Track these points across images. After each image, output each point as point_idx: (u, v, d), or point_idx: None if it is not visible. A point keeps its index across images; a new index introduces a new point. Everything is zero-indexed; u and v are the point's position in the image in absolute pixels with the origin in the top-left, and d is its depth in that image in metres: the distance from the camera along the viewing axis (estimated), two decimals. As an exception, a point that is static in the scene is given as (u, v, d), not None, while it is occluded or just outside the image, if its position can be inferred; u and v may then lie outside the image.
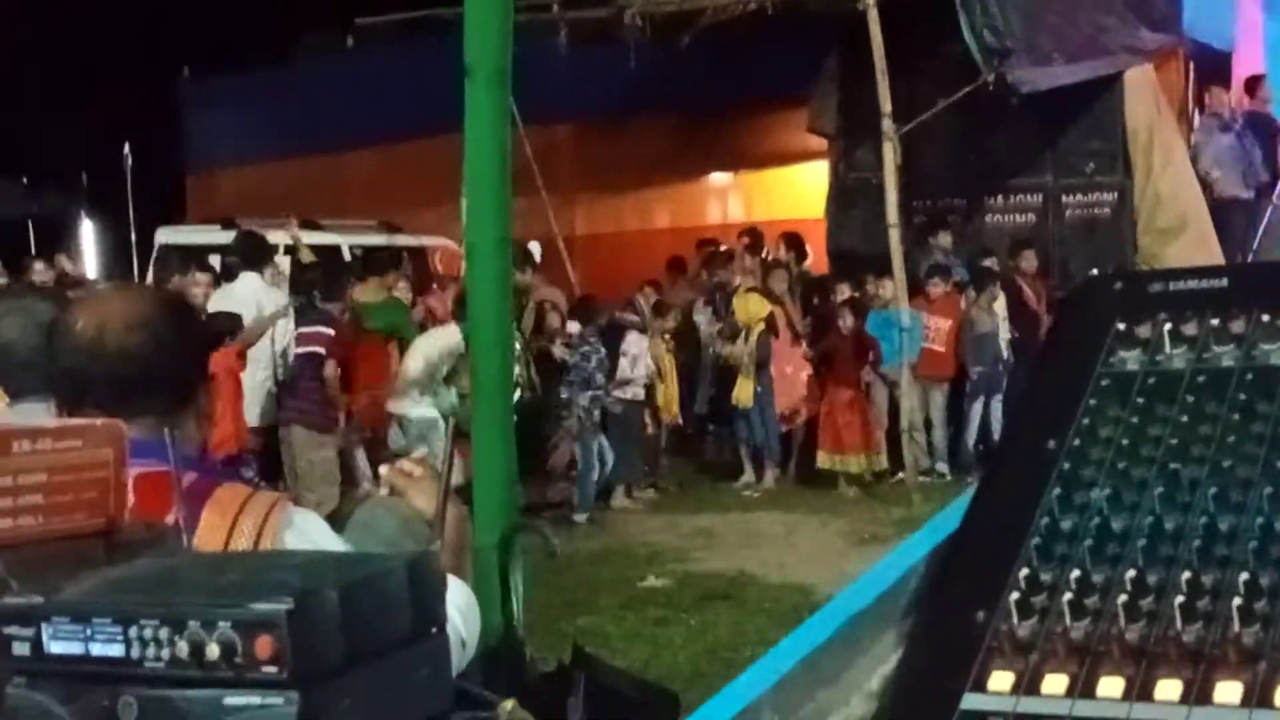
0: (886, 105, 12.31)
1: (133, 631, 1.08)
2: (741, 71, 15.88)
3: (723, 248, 15.19)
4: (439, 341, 11.08)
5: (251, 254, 11.53)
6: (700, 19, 14.36)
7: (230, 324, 9.77)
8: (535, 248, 12.56)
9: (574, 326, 12.10)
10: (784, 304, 12.94)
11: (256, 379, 10.54)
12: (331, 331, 10.94)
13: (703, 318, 13.77)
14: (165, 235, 16.74)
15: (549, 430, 11.64)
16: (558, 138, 17.32)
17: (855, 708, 1.13)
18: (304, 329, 10.80)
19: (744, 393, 12.59)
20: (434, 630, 1.18)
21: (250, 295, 10.74)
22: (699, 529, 11.03)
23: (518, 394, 10.30)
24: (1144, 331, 1.43)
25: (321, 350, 10.76)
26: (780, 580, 9.02)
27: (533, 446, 11.42)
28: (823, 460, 12.44)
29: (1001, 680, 1.14)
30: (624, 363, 11.94)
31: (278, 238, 13.48)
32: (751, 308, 12.69)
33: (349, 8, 18.45)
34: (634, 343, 12.11)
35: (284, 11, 23.32)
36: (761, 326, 12.61)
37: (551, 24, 14.87)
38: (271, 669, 1.03)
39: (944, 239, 13.94)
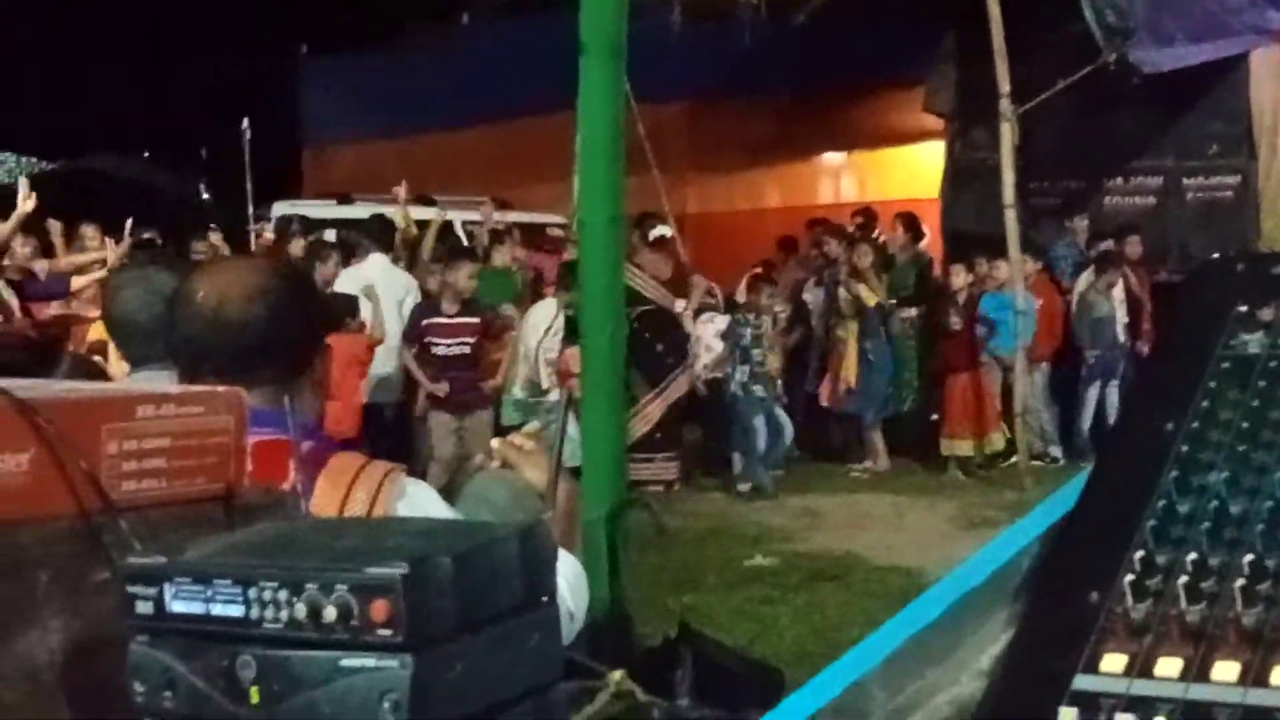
0: (1005, 85, 12.13)
1: (252, 593, 1.11)
2: (856, 50, 15.73)
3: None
4: (540, 316, 11.12)
5: (381, 235, 11.70)
6: (816, -2, 14.27)
7: (348, 307, 9.87)
8: (666, 230, 12.47)
9: (679, 304, 12.11)
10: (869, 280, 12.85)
11: (381, 358, 10.63)
12: (478, 320, 10.92)
13: (812, 297, 13.70)
14: (282, 208, 16.97)
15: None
16: (670, 115, 17.29)
17: (964, 687, 1.13)
18: (456, 320, 10.76)
19: (849, 371, 12.58)
20: (544, 599, 1.19)
21: (377, 276, 10.86)
22: (806, 509, 11.00)
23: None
24: (1266, 314, 1.40)
25: (471, 342, 10.80)
26: (888, 562, 8.98)
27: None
28: (942, 446, 12.40)
29: (1114, 662, 1.13)
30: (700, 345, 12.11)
31: (389, 212, 13.62)
32: (862, 293, 12.65)
33: (465, -14, 18.57)
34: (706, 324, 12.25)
35: (400, -10, 23.52)
36: (869, 308, 12.60)
37: (666, 2, 14.85)
38: (386, 632, 1.05)
39: (1079, 223, 13.80)
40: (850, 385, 12.63)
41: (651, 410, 11.71)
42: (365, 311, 10.26)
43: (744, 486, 11.66)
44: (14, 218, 9.32)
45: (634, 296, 11.84)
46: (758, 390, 11.87)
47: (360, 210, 14.43)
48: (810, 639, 7.26)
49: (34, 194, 9.30)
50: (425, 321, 10.71)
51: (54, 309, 9.76)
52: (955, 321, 12.40)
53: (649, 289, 11.98)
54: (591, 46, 3.85)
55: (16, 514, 1.30)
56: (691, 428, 12.69)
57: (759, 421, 11.78)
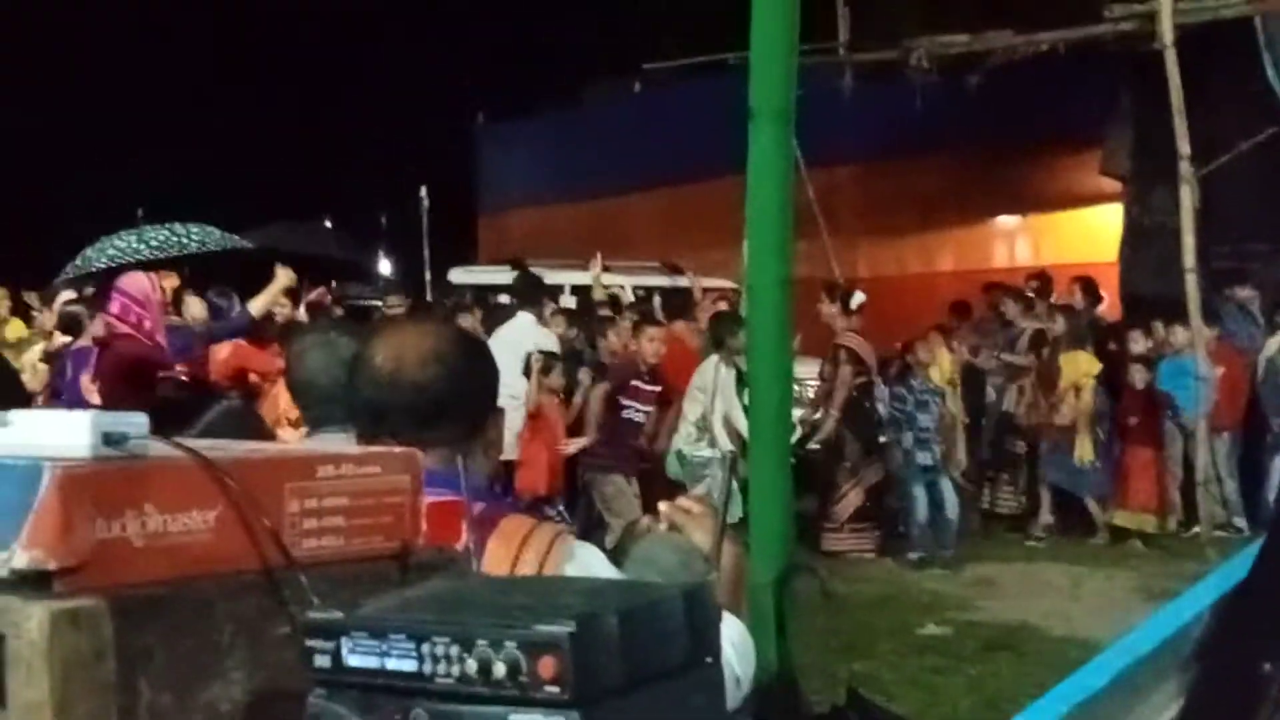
0: (1184, 146, 11.89)
1: (425, 648, 1.14)
2: (1030, 111, 15.59)
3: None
4: (707, 376, 11.14)
5: (528, 293, 11.82)
6: (989, 59, 14.18)
7: (550, 362, 10.10)
8: (862, 297, 12.42)
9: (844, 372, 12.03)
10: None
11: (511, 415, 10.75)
12: (662, 389, 10.98)
13: (989, 363, 13.51)
14: (457, 275, 17.31)
15: (839, 479, 11.69)
16: (840, 179, 17.28)
17: (1133, 754, 1.11)
18: (648, 387, 10.85)
19: (1085, 450, 12.24)
20: (709, 660, 1.20)
21: (521, 336, 10.96)
22: (980, 577, 10.81)
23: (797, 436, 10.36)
24: None
25: (651, 411, 10.87)
26: (1064, 633, 8.77)
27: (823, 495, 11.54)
28: (1119, 518, 12.10)
29: (1290, 736, 1.11)
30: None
31: (561, 277, 13.79)
32: (1081, 365, 12.38)
33: (636, 54, 18.82)
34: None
35: (574, 58, 23.96)
36: (1092, 382, 12.28)
37: (837, 65, 14.87)
38: (554, 689, 1.07)
39: (1242, 292, 13.40)
40: (1085, 463, 12.29)
41: (868, 475, 11.72)
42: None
43: (913, 555, 11.48)
44: (271, 290, 9.63)
45: (858, 365, 11.86)
46: (923, 458, 11.68)
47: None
48: (983, 710, 7.12)
49: (289, 268, 9.64)
50: (632, 382, 10.81)
51: (227, 349, 9.94)
52: (1139, 381, 12.10)
53: (866, 354, 11.99)
54: (760, 110, 3.88)
55: (203, 568, 1.35)
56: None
57: (919, 490, 11.58)
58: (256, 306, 9.70)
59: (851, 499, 11.69)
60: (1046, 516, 12.51)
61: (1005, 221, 19.23)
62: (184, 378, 8.42)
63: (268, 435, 5.66)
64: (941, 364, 12.39)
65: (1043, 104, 15.30)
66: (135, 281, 8.06)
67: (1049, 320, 13.09)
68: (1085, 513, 12.49)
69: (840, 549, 11.52)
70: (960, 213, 18.38)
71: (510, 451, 10.42)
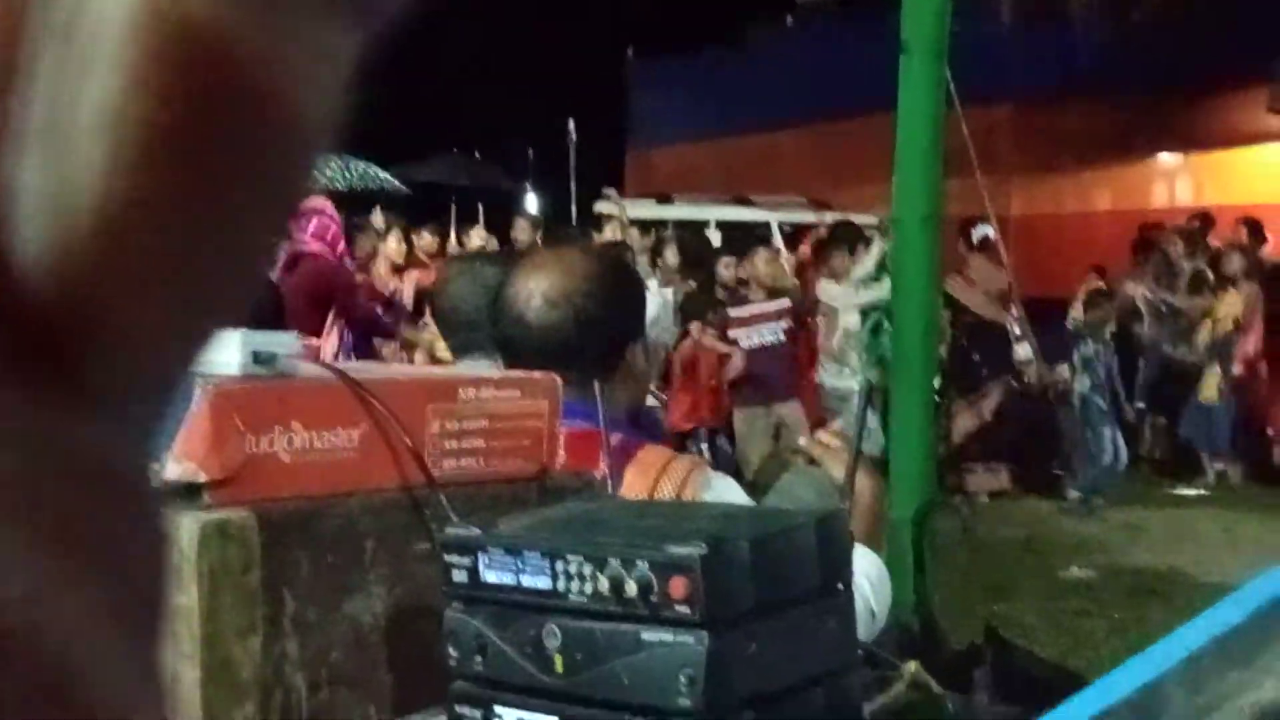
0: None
1: (559, 566, 1.16)
2: (1195, 47, 15.12)
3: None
4: (824, 295, 10.97)
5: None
6: (1152, -7, 13.80)
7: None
8: (990, 230, 12.16)
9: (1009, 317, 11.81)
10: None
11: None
12: (783, 306, 10.87)
13: (1144, 303, 13.20)
14: (604, 207, 17.36)
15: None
16: (997, 117, 16.93)
17: (1267, 691, 1.09)
18: (763, 308, 10.75)
19: (1210, 390, 11.99)
20: (840, 587, 1.21)
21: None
22: (1129, 523, 10.62)
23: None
24: None
25: (781, 328, 10.78)
26: (1215, 580, 8.59)
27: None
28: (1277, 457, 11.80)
29: None
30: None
31: (706, 213, 13.68)
32: (1225, 305, 12.08)
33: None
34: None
35: (728, -5, 23.78)
36: (1230, 323, 11.99)
37: (995, 1, 14.58)
38: (684, 609, 1.09)
39: None
40: (1205, 401, 12.04)
41: (962, 421, 11.51)
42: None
43: (1072, 495, 11.25)
44: None
45: (956, 309, 11.66)
46: (1100, 402, 11.43)
47: (679, 210, 14.64)
48: (1127, 655, 7.00)
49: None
50: (734, 313, 10.70)
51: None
52: None
53: (973, 303, 11.74)
54: (913, 45, 3.82)
55: (347, 486, 1.39)
56: (1020, 439, 12.34)
57: (1106, 434, 11.35)
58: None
59: (964, 422, 11.47)
60: (1203, 464, 12.25)
61: (1166, 160, 18.73)
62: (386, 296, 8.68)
63: None
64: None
65: (1209, 39, 14.84)
66: (325, 203, 8.24)
67: (1210, 261, 12.75)
68: (1243, 460, 12.20)
69: (966, 488, 11.22)
70: (1119, 151, 17.93)
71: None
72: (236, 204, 0.32)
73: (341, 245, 8.17)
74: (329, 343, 7.68)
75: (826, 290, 10.77)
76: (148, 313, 0.32)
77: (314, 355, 2.24)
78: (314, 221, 8.00)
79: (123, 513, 0.33)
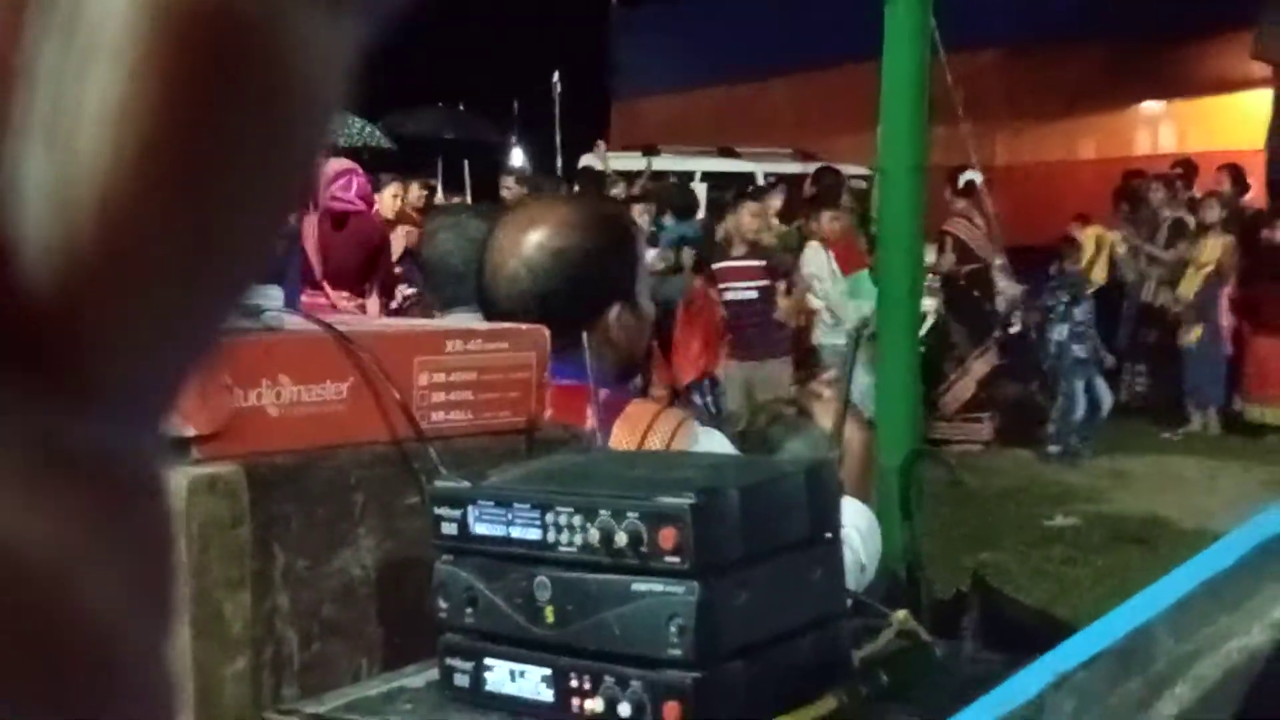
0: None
1: (549, 517, 1.16)
2: (1180, -8, 15.10)
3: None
4: (812, 264, 10.95)
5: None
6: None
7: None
8: (976, 175, 12.10)
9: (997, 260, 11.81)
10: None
11: None
12: (764, 264, 10.84)
13: (1125, 251, 13.22)
14: (588, 161, 17.30)
15: (946, 370, 11.51)
16: (981, 64, 16.87)
17: (1255, 636, 1.10)
18: (743, 263, 10.69)
19: (1190, 336, 12.04)
20: (828, 535, 1.21)
21: None
22: (1112, 470, 10.68)
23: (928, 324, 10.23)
24: None
25: (760, 286, 10.74)
26: (1196, 526, 8.64)
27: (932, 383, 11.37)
28: (1249, 412, 11.85)
29: None
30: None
31: (693, 164, 13.62)
32: (1206, 251, 12.09)
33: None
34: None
35: (710, -60, 23.60)
36: (1210, 269, 12.01)
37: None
38: (674, 559, 1.09)
39: None
40: (1185, 345, 12.09)
41: (976, 367, 11.53)
42: None
43: (1054, 449, 11.25)
44: None
45: (964, 253, 11.65)
46: (1078, 351, 11.40)
47: (665, 162, 14.58)
48: (1111, 601, 7.01)
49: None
50: (716, 266, 10.66)
51: None
52: (1272, 278, 11.77)
53: (975, 242, 11.74)
54: (897, -7, 3.80)
55: (336, 439, 1.39)
56: (1008, 385, 12.36)
57: (1078, 386, 11.35)
58: None
59: (959, 390, 11.51)
60: (1184, 411, 12.31)
61: (1150, 107, 18.70)
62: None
63: None
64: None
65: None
66: (352, 164, 8.23)
67: (1191, 209, 12.77)
68: (1223, 407, 12.26)
69: (949, 438, 11.28)
70: (1104, 99, 17.90)
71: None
72: (243, 194, 0.32)
73: (370, 200, 8.24)
74: (372, 302, 7.73)
75: (814, 260, 10.75)
76: (153, 307, 0.31)
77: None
78: (355, 182, 8.00)
79: (124, 512, 0.32)
